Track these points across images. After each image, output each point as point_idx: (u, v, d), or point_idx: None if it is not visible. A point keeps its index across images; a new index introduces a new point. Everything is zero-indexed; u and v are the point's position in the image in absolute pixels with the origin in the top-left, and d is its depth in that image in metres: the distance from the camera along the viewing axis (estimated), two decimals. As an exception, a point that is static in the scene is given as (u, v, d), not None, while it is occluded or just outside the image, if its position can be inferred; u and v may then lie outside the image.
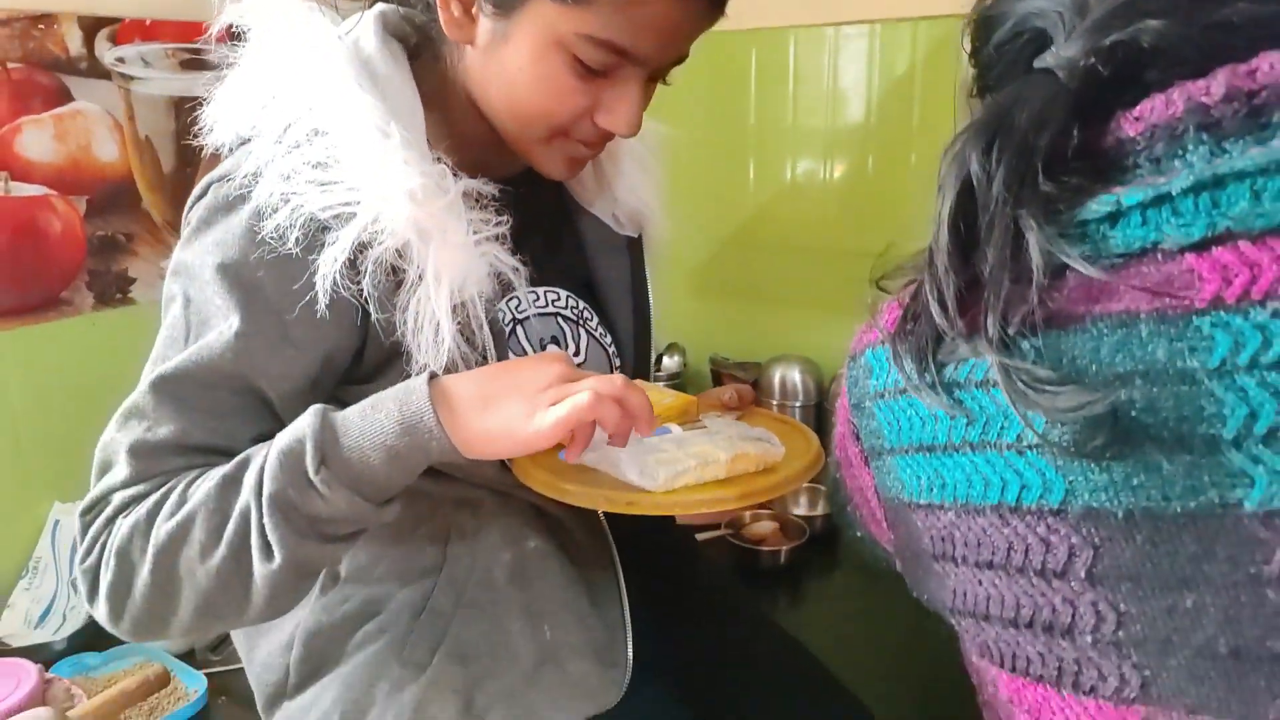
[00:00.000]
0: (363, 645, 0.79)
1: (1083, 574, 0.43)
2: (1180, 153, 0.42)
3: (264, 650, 0.83)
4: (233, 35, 0.79)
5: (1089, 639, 0.43)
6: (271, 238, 0.66)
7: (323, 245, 0.66)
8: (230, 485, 0.64)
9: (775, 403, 1.76)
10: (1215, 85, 0.41)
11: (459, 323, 0.70)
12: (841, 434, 0.61)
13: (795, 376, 1.75)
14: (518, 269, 0.75)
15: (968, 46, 0.57)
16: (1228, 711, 0.40)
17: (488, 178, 0.75)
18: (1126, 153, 0.44)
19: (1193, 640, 0.40)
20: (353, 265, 0.67)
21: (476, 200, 0.72)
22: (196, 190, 0.73)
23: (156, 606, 0.66)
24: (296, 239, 0.65)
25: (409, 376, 0.69)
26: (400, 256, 0.68)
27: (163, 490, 0.66)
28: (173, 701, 1.07)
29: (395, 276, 0.69)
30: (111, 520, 0.66)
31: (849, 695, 0.87)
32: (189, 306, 0.69)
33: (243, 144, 0.72)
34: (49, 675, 1.04)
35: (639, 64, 0.71)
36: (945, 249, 0.48)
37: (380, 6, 0.80)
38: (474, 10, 0.72)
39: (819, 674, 0.88)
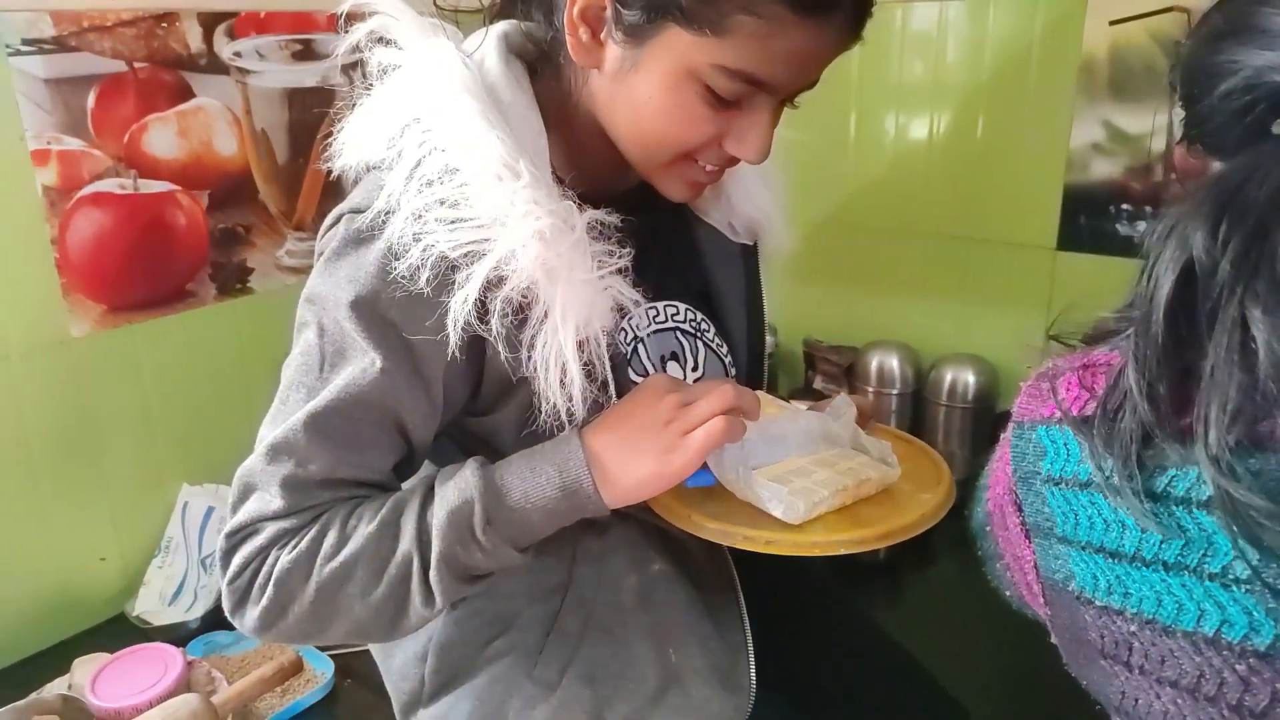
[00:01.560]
0: (493, 660, 0.82)
1: None
2: None
3: (399, 660, 0.86)
4: (345, 20, 0.78)
5: None
6: (403, 277, 0.67)
7: (452, 284, 0.67)
8: (388, 530, 0.69)
9: (872, 390, 1.74)
10: None
11: (583, 359, 0.71)
12: (999, 496, 0.60)
13: (893, 363, 1.73)
14: (639, 301, 0.75)
15: (1179, 87, 0.53)
16: None
17: (606, 193, 0.75)
18: None
19: None
20: (480, 303, 0.68)
21: (600, 232, 0.72)
22: (330, 218, 0.75)
23: (308, 628, 0.71)
24: (428, 279, 0.67)
25: (532, 410, 0.72)
26: (526, 294, 0.69)
27: (319, 526, 0.70)
28: (303, 685, 1.13)
29: (521, 314, 0.70)
30: (265, 550, 0.70)
31: (960, 709, 0.87)
32: (323, 335, 0.71)
33: (369, 170, 0.74)
34: (190, 658, 1.10)
35: (772, 93, 0.71)
36: (1159, 339, 0.44)
37: (503, 25, 0.80)
38: (603, 36, 0.72)
39: (931, 688, 0.89)
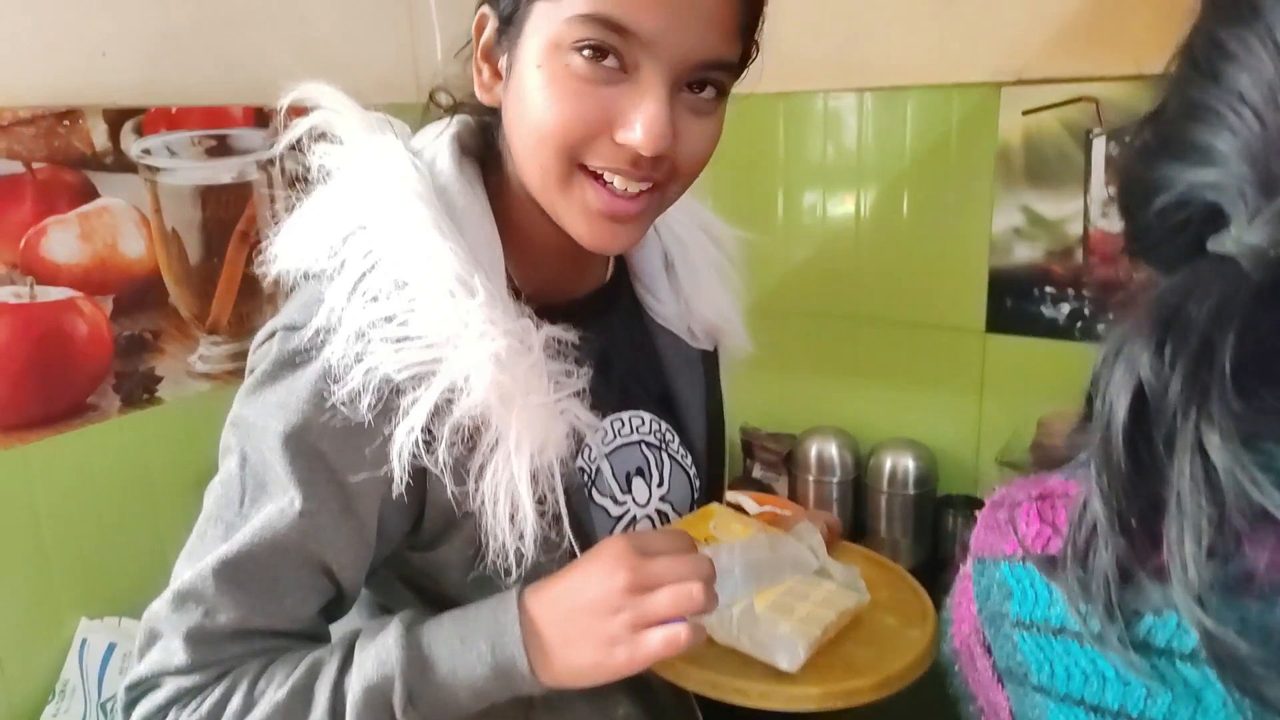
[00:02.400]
0: None
1: None
2: None
3: None
4: (284, 115, 0.74)
5: None
6: (341, 404, 0.62)
7: (396, 410, 0.62)
8: (299, 697, 0.63)
9: (812, 477, 1.72)
10: None
11: (537, 493, 0.66)
12: (965, 635, 0.56)
13: (832, 450, 1.71)
14: (596, 427, 0.71)
15: (1118, 198, 0.52)
16: None
17: (563, 298, 0.71)
18: None
19: None
20: (426, 430, 0.63)
21: (557, 350, 0.68)
22: (263, 334, 0.69)
23: None
24: (369, 404, 0.62)
25: (479, 545, 0.66)
26: (476, 420, 0.64)
27: (224, 687, 0.64)
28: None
29: (469, 442, 0.64)
30: (165, 709, 0.64)
31: None
32: (245, 466, 0.65)
33: (306, 279, 0.68)
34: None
35: (649, 50, 0.62)
36: (1121, 468, 0.41)
37: (456, 126, 0.76)
38: (500, 65, 0.68)
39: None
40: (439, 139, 0.74)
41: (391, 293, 0.64)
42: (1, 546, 1.17)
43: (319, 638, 0.70)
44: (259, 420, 0.65)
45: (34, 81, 1.16)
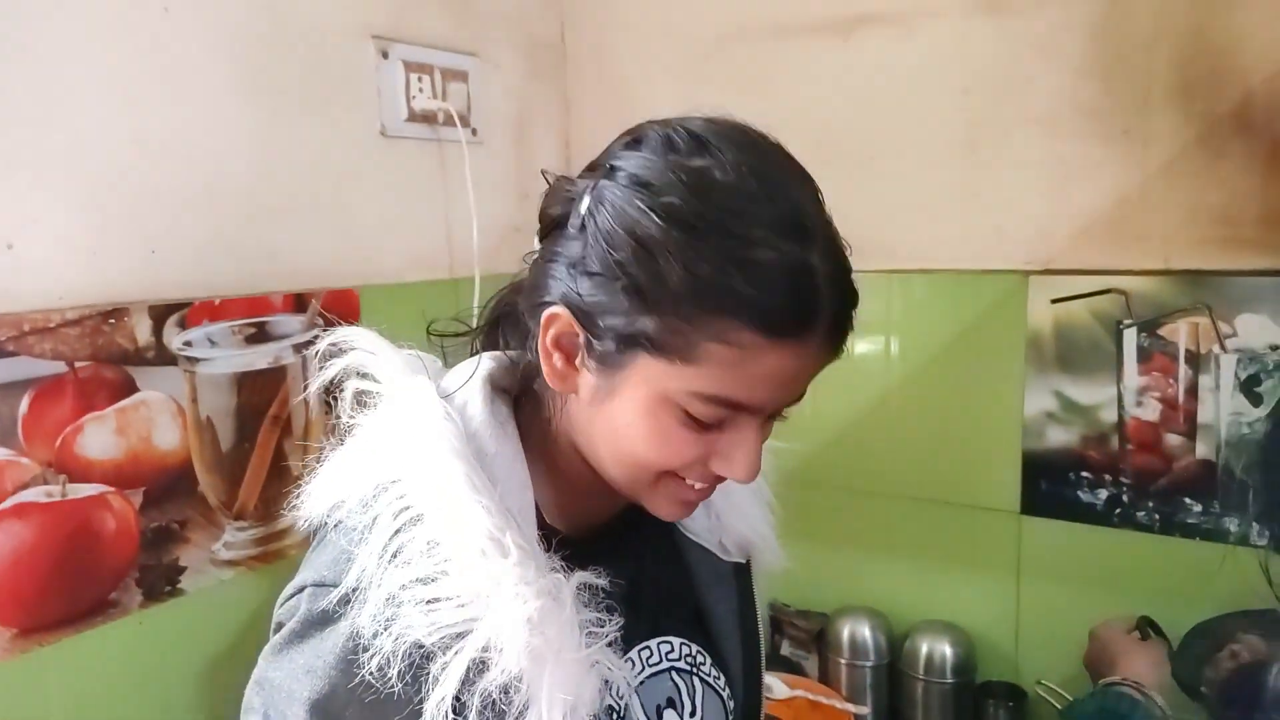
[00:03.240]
0: None
1: None
2: None
3: None
4: (320, 358, 0.76)
5: None
6: (371, 674, 0.61)
7: (426, 676, 0.61)
8: None
9: (845, 661, 1.66)
10: None
11: None
12: None
13: (865, 632, 1.66)
14: (629, 682, 0.71)
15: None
16: None
17: (594, 522, 0.73)
18: None
19: None
20: (455, 698, 0.62)
21: (589, 598, 0.67)
22: (291, 588, 0.69)
23: None
24: (399, 672, 0.61)
25: None
26: (506, 683, 0.62)
27: None
28: None
29: (499, 706, 0.62)
30: None
31: None
32: None
33: (335, 527, 0.69)
34: None
35: (754, 413, 0.68)
36: None
37: (488, 366, 0.77)
38: (578, 363, 0.69)
39: None
40: (470, 382, 0.75)
41: (424, 553, 0.64)
42: (10, 754, 1.12)
43: None
44: (285, 683, 0.65)
45: (82, 281, 1.17)
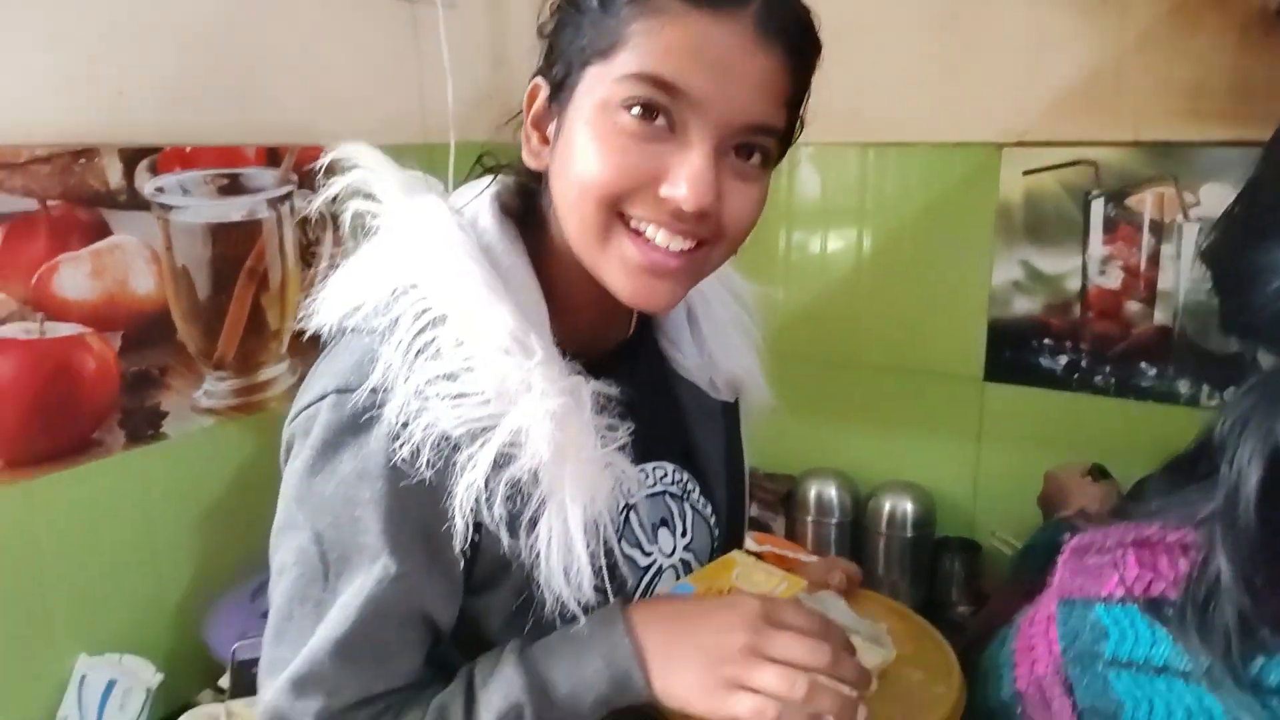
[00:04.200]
0: None
1: None
2: None
3: None
4: (323, 173, 0.75)
5: None
6: (404, 462, 0.63)
7: (454, 466, 0.64)
8: None
9: (810, 519, 1.73)
10: None
11: (590, 545, 0.67)
12: (1040, 676, 0.58)
13: (831, 492, 1.73)
14: (640, 481, 0.73)
15: (1214, 280, 0.54)
16: None
17: (595, 352, 0.73)
18: None
19: None
20: (482, 485, 0.64)
21: (602, 406, 0.69)
22: (308, 397, 0.68)
23: None
24: (429, 460, 0.63)
25: (524, 594, 0.68)
26: (528, 476, 0.65)
27: None
28: None
29: (521, 497, 0.66)
30: None
31: None
32: (322, 542, 0.66)
33: (347, 334, 0.69)
34: None
35: (698, 111, 0.63)
36: (1252, 531, 0.44)
37: (496, 187, 0.77)
38: (549, 131, 0.70)
39: None
40: (479, 198, 0.76)
41: (448, 351, 0.65)
42: (2, 582, 1.16)
43: (426, 681, 0.71)
44: (340, 492, 0.65)
45: (51, 120, 1.16)
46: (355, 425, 0.65)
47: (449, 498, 0.64)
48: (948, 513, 1.69)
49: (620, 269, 0.68)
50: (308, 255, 1.50)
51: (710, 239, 0.69)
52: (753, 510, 1.84)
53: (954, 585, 1.64)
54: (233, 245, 1.38)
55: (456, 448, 0.64)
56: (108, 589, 1.27)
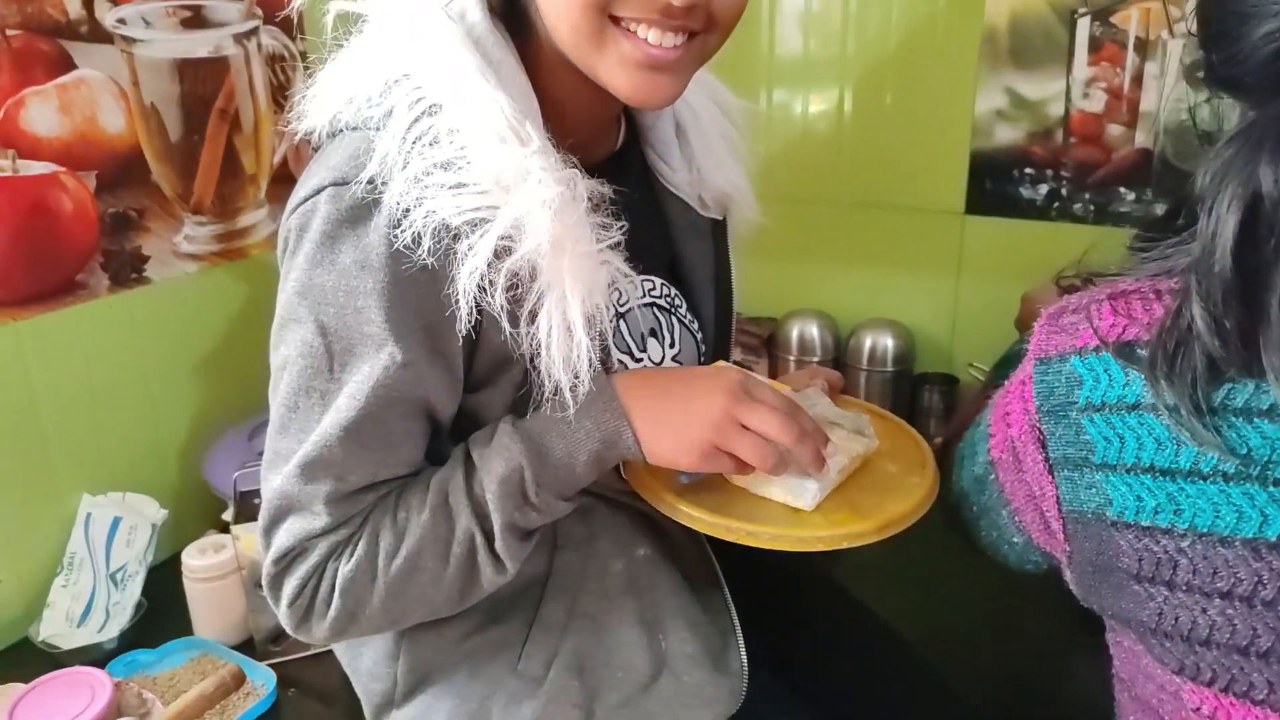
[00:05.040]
0: (472, 654, 0.78)
1: None
2: None
3: (369, 659, 0.82)
4: None
5: None
6: (407, 248, 0.63)
7: (453, 254, 0.64)
8: (441, 513, 0.69)
9: (793, 358, 1.76)
10: None
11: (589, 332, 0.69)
12: (1014, 437, 0.61)
13: (813, 331, 1.75)
14: (631, 277, 0.73)
15: (1200, 26, 0.53)
16: None
17: (585, 161, 0.72)
18: None
19: None
20: (482, 275, 0.65)
21: (596, 205, 0.70)
22: (304, 193, 0.68)
23: (380, 623, 0.73)
24: (429, 248, 0.63)
25: (524, 387, 0.70)
26: (526, 267, 0.66)
27: (370, 530, 0.69)
28: (244, 699, 1.06)
29: (519, 288, 0.66)
30: (320, 566, 0.69)
31: (935, 674, 0.89)
32: (326, 333, 0.67)
33: (340, 133, 0.69)
34: (117, 680, 1.01)
35: None
36: (1227, 276, 0.45)
37: None
38: None
39: (913, 659, 0.90)
40: None
41: (445, 139, 0.65)
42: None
43: (420, 468, 0.74)
44: (342, 283, 0.65)
45: (1, -57, 1.11)
46: (354, 216, 0.65)
47: (450, 285, 0.64)
48: (927, 348, 1.72)
49: (619, 68, 0.68)
50: (280, 97, 1.46)
51: (702, 29, 0.68)
52: (736, 354, 1.87)
53: (933, 418, 1.68)
54: (201, 83, 1.34)
55: (456, 237, 0.64)
56: (105, 430, 1.29)
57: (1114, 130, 1.48)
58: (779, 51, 1.72)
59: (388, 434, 0.68)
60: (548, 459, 0.68)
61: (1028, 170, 1.57)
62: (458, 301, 0.64)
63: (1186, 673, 0.50)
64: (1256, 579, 0.46)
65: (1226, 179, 0.45)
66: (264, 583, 0.71)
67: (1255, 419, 0.45)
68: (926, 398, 1.68)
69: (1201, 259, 0.46)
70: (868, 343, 1.69)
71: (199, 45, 1.33)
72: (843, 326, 1.76)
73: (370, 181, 0.64)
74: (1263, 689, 0.47)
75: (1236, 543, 0.46)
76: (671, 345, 0.86)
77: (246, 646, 1.17)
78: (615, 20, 0.66)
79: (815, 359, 1.74)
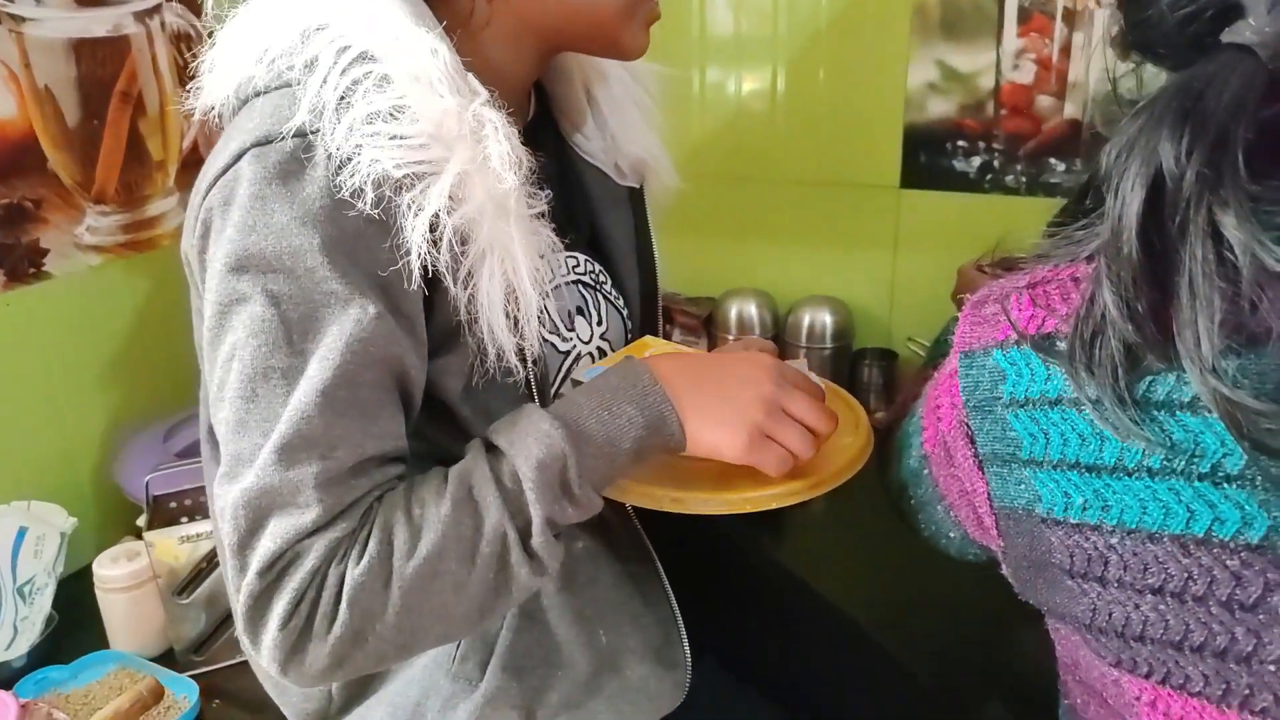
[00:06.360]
0: (409, 665, 0.75)
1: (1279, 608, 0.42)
2: None
3: None
4: None
5: (1272, 668, 0.43)
6: (347, 202, 0.58)
7: (396, 206, 0.59)
8: (466, 508, 0.59)
9: (732, 338, 1.74)
10: None
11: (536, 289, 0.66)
12: (944, 433, 0.59)
13: (751, 310, 1.73)
14: (557, 248, 0.70)
15: (1115, 62, 0.53)
16: None
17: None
18: None
19: None
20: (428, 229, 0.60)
21: (527, 172, 0.66)
22: (219, 162, 0.61)
23: (387, 649, 0.59)
24: (373, 200, 0.58)
25: (469, 357, 0.65)
26: (467, 226, 0.61)
27: (379, 525, 0.58)
28: (164, 713, 1.00)
29: (459, 248, 0.62)
30: (320, 571, 0.56)
31: (882, 651, 0.88)
32: (278, 303, 0.58)
33: (253, 98, 0.63)
34: (23, 701, 0.95)
35: None
36: (1134, 258, 0.44)
37: None
38: None
39: (856, 633, 0.89)
40: None
41: (377, 88, 0.60)
42: (-113, 433, 1.10)
43: (405, 460, 0.65)
44: (284, 245, 0.58)
45: None
46: (285, 172, 0.59)
47: (396, 238, 0.59)
48: (865, 323, 1.72)
49: (640, 29, 0.73)
50: (187, 78, 1.38)
51: None
52: (675, 336, 1.85)
53: (872, 393, 1.68)
54: (100, 64, 1.26)
55: (399, 188, 0.59)
56: (5, 436, 1.21)
57: (1044, 101, 1.48)
58: (711, 31, 1.69)
59: (363, 401, 0.59)
60: (588, 446, 0.61)
61: (960, 143, 1.56)
62: (407, 256, 0.59)
63: (1124, 666, 0.49)
64: (1186, 575, 0.45)
65: (1130, 156, 0.44)
66: (242, 614, 0.57)
67: (1177, 412, 0.44)
68: (866, 373, 1.67)
69: (1110, 241, 0.45)
70: (806, 320, 1.68)
71: (96, 24, 1.25)
72: (781, 304, 1.75)
73: (299, 134, 0.59)
74: (1199, 681, 0.46)
75: (1165, 539, 0.45)
76: (599, 323, 0.83)
77: (167, 658, 1.11)
78: None
79: (754, 337, 1.73)
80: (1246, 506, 0.42)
